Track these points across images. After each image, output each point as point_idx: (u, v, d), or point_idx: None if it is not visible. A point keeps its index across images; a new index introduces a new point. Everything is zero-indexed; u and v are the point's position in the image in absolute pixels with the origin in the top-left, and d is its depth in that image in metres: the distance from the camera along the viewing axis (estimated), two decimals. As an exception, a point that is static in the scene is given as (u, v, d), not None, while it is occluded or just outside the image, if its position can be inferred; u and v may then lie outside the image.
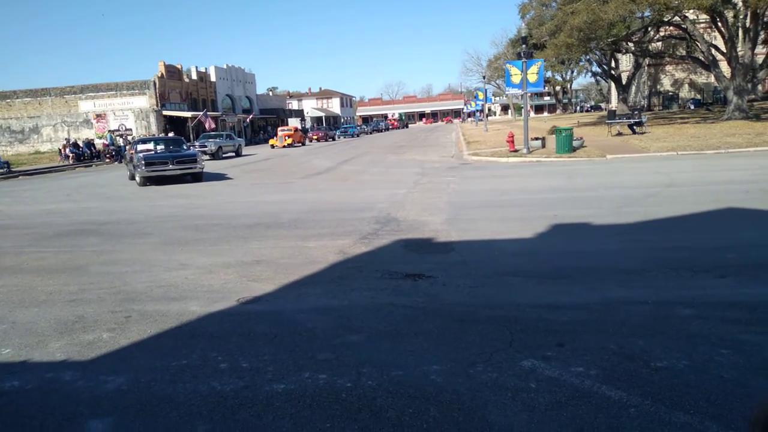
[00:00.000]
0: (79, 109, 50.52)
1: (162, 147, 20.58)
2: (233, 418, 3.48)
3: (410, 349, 4.38)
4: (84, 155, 38.40)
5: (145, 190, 18.32)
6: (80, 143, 40.22)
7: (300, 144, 46.84)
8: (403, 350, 4.36)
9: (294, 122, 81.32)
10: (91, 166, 35.48)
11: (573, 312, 4.96)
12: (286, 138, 44.95)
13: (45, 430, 3.48)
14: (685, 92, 61.08)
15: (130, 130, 48.49)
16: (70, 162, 36.32)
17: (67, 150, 37.84)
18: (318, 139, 55.00)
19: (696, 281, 5.68)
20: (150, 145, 20.68)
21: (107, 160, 37.65)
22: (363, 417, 3.42)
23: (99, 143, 43.30)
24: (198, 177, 19.48)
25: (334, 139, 58.06)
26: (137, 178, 19.03)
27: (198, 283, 6.56)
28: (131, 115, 49.76)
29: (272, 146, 45.52)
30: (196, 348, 4.61)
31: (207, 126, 40.84)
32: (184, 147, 21.45)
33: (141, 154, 19.06)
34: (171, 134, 41.00)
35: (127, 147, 38.69)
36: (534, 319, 4.83)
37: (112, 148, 40.08)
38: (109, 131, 47.37)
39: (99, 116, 50.18)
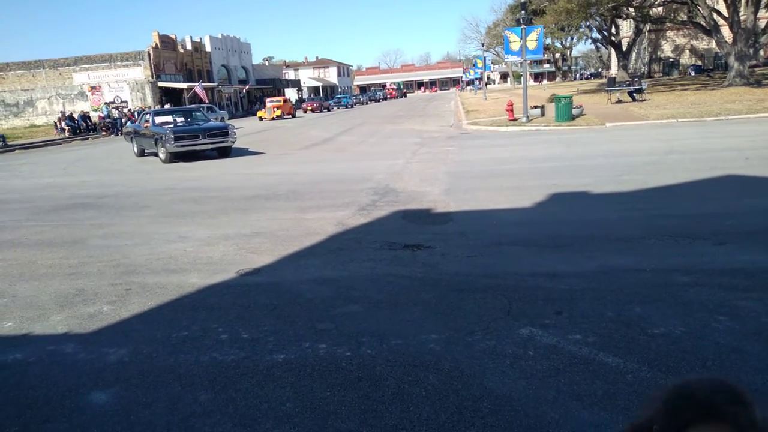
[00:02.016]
0: (73, 82, 49.96)
1: (182, 119, 18.68)
2: (234, 387, 3.52)
3: (409, 318, 4.41)
4: (80, 128, 38.16)
5: (141, 162, 18.24)
6: (76, 116, 39.92)
7: (290, 116, 44.36)
8: (401, 319, 4.39)
9: (291, 92, 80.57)
10: (87, 139, 35.28)
11: (571, 280, 4.99)
12: (275, 110, 42.54)
13: (48, 402, 3.52)
14: (685, 58, 60.37)
15: (126, 102, 48.10)
16: (66, 135, 36.11)
17: (63, 123, 37.61)
18: (313, 110, 52.80)
19: (694, 248, 5.69)
20: (169, 117, 18.74)
21: (103, 133, 37.42)
22: (363, 385, 3.45)
23: (95, 116, 42.96)
24: (226, 152, 17.66)
25: (329, 110, 56.14)
26: (162, 154, 17.03)
27: (197, 255, 6.57)
28: (126, 86, 49.25)
29: (260, 119, 42.90)
30: (197, 319, 4.64)
31: (202, 98, 40.45)
32: (203, 118, 19.64)
33: (167, 127, 17.03)
34: (167, 105, 40.69)
35: (130, 119, 38.47)
36: (532, 288, 4.86)
37: (108, 120, 39.79)
38: (105, 103, 46.99)
39: (94, 88, 49.66)
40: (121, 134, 36.46)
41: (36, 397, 3.59)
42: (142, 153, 19.45)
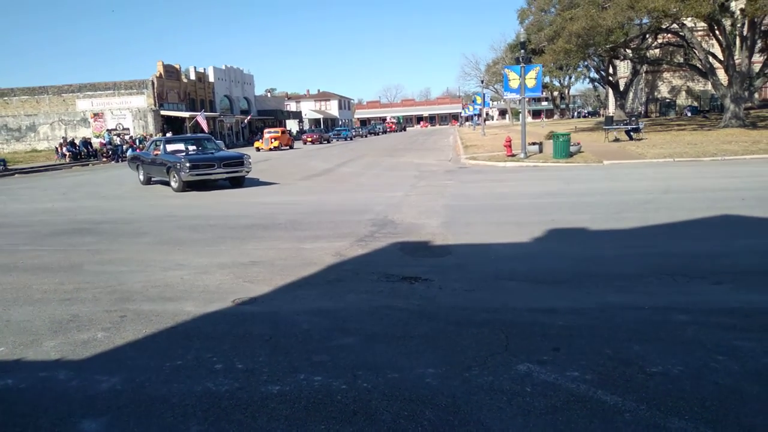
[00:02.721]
0: (76, 108, 50.43)
1: (194, 147, 18.25)
2: (227, 419, 3.47)
3: (406, 351, 4.38)
4: (81, 154, 38.39)
5: (141, 189, 18.27)
6: (77, 142, 40.17)
7: (287, 147, 43.95)
8: (398, 353, 4.35)
9: (292, 124, 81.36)
10: (87, 164, 35.43)
11: (569, 317, 4.97)
12: (273, 141, 42.12)
13: (38, 430, 3.46)
14: (682, 99, 61.26)
15: (128, 129, 48.46)
16: (67, 161, 36.28)
17: (64, 149, 37.81)
18: (312, 142, 53.16)
19: (692, 287, 5.69)
20: (181, 145, 18.24)
21: (104, 160, 37.62)
22: (358, 419, 3.41)
23: (96, 142, 43.23)
24: (239, 182, 17.22)
25: (329, 142, 56.66)
26: (174, 183, 16.45)
27: (194, 283, 6.54)
28: (129, 114, 49.69)
29: (257, 149, 42.41)
30: (191, 348, 4.59)
31: (203, 127, 40.77)
32: (215, 147, 19.12)
33: (182, 155, 16.63)
34: (169, 134, 40.98)
35: (131, 146, 38.60)
36: (530, 324, 4.83)
37: (109, 147, 40.04)
38: (107, 130, 47.35)
39: (96, 115, 50.10)
40: (122, 161, 36.76)
41: (26, 424, 3.53)
42: (148, 181, 19.06)
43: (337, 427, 3.33)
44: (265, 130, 47.35)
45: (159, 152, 17.93)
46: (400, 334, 4.75)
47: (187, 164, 15.92)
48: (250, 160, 17.38)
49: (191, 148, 18.06)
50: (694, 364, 3.93)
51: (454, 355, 4.26)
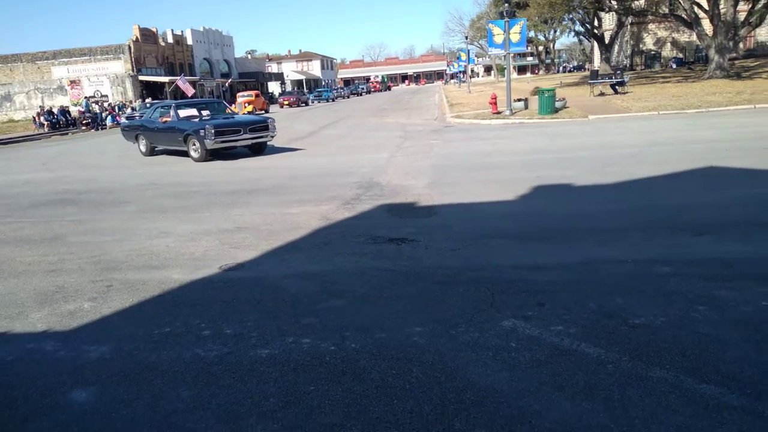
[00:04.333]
0: (52, 76, 49.25)
1: (207, 111, 16.47)
2: (217, 383, 3.50)
3: (393, 312, 4.41)
4: (59, 123, 37.63)
5: (122, 157, 18.00)
6: (55, 111, 39.32)
7: (262, 111, 42.17)
8: (386, 313, 4.39)
9: (274, 86, 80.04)
10: (67, 134, 34.77)
11: (554, 272, 5.02)
12: (246, 105, 40.41)
13: (27, 401, 3.47)
14: (667, 51, 60.90)
15: (106, 96, 47.50)
16: (46, 130, 35.58)
17: (42, 118, 37.05)
18: (290, 105, 50.93)
19: (675, 239, 5.75)
20: (194, 110, 16.44)
21: (84, 128, 36.90)
22: (347, 379, 3.45)
23: (74, 110, 42.35)
24: (262, 148, 15.93)
25: (306, 104, 54.08)
26: (195, 153, 14.97)
27: (179, 251, 6.52)
28: (107, 80, 48.63)
29: None
30: (179, 316, 4.60)
31: (186, 91, 40.01)
32: (228, 110, 17.68)
33: (206, 122, 14.99)
34: (149, 100, 40.24)
35: (111, 113, 37.82)
36: (515, 280, 4.88)
37: (88, 115, 39.24)
38: (85, 98, 46.36)
39: (73, 82, 49.00)
40: (102, 129, 36.12)
41: (15, 396, 3.54)
42: (152, 151, 17.44)
43: (326, 388, 3.37)
44: (238, 94, 45.84)
45: (169, 119, 16.27)
46: (387, 294, 4.78)
47: (213, 130, 14.43)
48: (275, 124, 15.90)
49: (204, 113, 16.35)
50: (675, 315, 4.01)
51: (440, 313, 4.31)
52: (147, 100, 41.24)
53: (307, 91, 75.73)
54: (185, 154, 15.64)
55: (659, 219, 6.46)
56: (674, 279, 4.67)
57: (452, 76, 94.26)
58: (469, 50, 60.64)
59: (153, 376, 3.65)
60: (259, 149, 15.88)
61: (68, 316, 4.77)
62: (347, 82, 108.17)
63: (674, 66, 53.00)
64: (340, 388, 3.35)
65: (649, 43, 61.98)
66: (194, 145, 14.97)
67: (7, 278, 5.91)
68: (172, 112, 16.39)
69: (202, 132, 14.54)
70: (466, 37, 64.69)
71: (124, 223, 8.17)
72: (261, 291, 5.05)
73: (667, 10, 41.53)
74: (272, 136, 15.79)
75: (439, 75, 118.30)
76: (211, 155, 14.93)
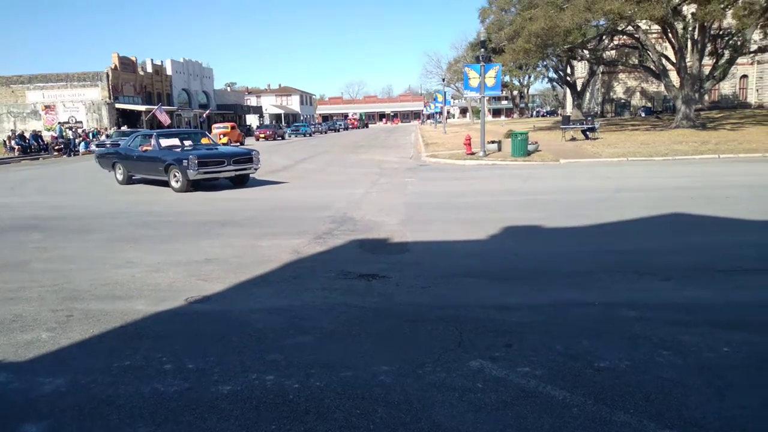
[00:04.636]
0: (26, 100, 48.71)
1: (190, 141, 16.30)
2: (176, 420, 3.40)
3: (360, 349, 4.36)
4: (31, 147, 37.05)
5: (93, 184, 17.73)
6: (27, 135, 38.73)
7: (237, 143, 41.11)
8: (353, 351, 4.34)
9: (252, 119, 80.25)
10: (38, 159, 34.22)
11: (522, 313, 5.04)
12: (221, 136, 39.46)
13: (-26, 435, 3.32)
14: (636, 100, 62.99)
15: (81, 122, 47.03)
16: (16, 154, 35.00)
17: (13, 141, 36.45)
18: (266, 138, 51.20)
19: (641, 284, 5.84)
20: (176, 140, 16.19)
21: (56, 153, 36.36)
22: (310, 418, 3.38)
23: (47, 135, 41.77)
24: (244, 180, 15.63)
25: (283, 138, 54.37)
26: (176, 183, 14.54)
27: (145, 281, 6.38)
28: (82, 107, 48.25)
29: None
30: (141, 348, 4.48)
31: (162, 121, 39.86)
32: (209, 141, 17.53)
33: (189, 152, 14.63)
34: (124, 128, 39.93)
35: (84, 140, 37.34)
36: (483, 320, 4.89)
37: (61, 140, 38.72)
38: (59, 123, 45.81)
39: (48, 107, 48.49)
40: (75, 155, 35.62)
41: (-39, 429, 3.38)
42: (129, 180, 16.88)
43: (288, 427, 3.30)
44: (214, 126, 45.73)
45: (150, 147, 15.88)
46: (355, 331, 4.74)
47: (196, 161, 14.05)
48: (259, 157, 15.71)
49: (186, 143, 16.15)
50: (640, 359, 4.04)
51: (408, 352, 4.28)
52: (123, 128, 40.87)
53: (284, 125, 76.05)
54: (165, 183, 15.24)
55: (626, 263, 6.56)
56: (639, 323, 4.72)
57: (429, 117, 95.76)
58: (445, 92, 61.80)
59: (109, 411, 3.52)
60: (241, 181, 15.59)
61: (24, 346, 4.60)
62: (325, 117, 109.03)
63: (643, 114, 54.73)
64: (302, 428, 3.28)
65: (619, 91, 64.06)
66: (176, 175, 14.57)
67: (-37, 305, 5.70)
68: (153, 141, 16.00)
69: (184, 162, 14.17)
70: (443, 79, 65.97)
71: (91, 252, 8.00)
72: (226, 325, 4.96)
73: (636, 61, 43.12)
74: (256, 169, 15.52)
75: (416, 115, 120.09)
76: (192, 186, 14.52)
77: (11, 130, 41.73)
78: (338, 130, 76.03)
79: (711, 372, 3.83)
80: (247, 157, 15.30)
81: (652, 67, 35.82)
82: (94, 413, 3.50)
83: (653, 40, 36.81)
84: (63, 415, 3.50)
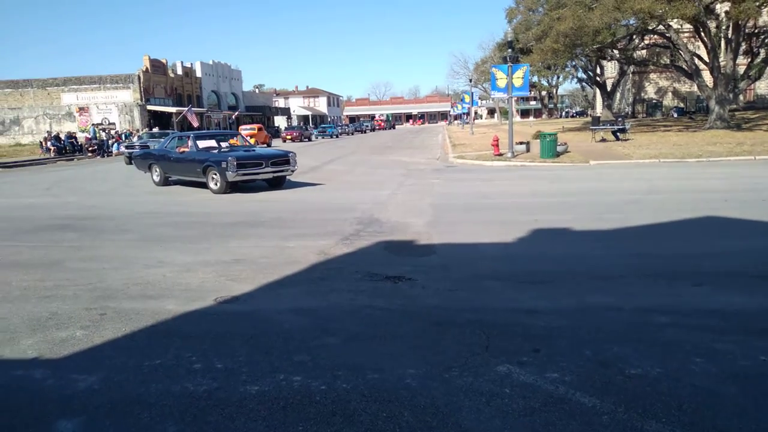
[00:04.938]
0: (61, 102, 49.94)
1: (225, 143, 16.46)
2: (204, 419, 3.44)
3: (387, 352, 4.37)
4: (66, 148, 37.95)
5: (125, 185, 18.10)
6: (62, 136, 39.71)
7: (265, 145, 40.71)
8: (379, 353, 4.34)
9: (280, 120, 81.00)
10: (72, 159, 35.05)
11: (550, 317, 4.98)
12: (248, 138, 40.30)
13: (12, 430, 3.41)
14: (668, 100, 61.80)
15: (114, 124, 48.01)
16: (52, 155, 35.87)
17: (49, 143, 37.39)
18: (293, 139, 50.97)
19: (673, 288, 5.73)
20: (212, 142, 16.30)
21: (90, 154, 37.20)
22: (336, 420, 3.39)
23: (81, 137, 42.77)
24: (281, 182, 15.62)
25: (309, 140, 54.21)
26: (215, 184, 14.51)
27: (175, 281, 6.49)
28: (115, 109, 49.29)
29: None
30: (171, 347, 4.55)
31: (192, 122, 40.48)
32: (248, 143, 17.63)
33: (227, 153, 14.69)
34: (155, 129, 40.64)
35: (117, 141, 38.10)
36: (511, 324, 4.84)
37: (94, 141, 39.60)
38: (93, 125, 46.86)
39: (82, 109, 49.63)
40: (108, 156, 36.38)
41: (0, 425, 3.48)
42: (166, 181, 16.92)
43: (315, 428, 3.31)
44: (240, 127, 46.07)
45: (187, 149, 15.96)
46: (381, 334, 4.74)
47: (235, 162, 14.07)
48: (296, 158, 15.69)
49: (223, 144, 16.28)
50: (672, 366, 3.96)
51: (434, 355, 4.26)
52: (154, 129, 41.61)
53: (312, 126, 76.52)
54: (201, 185, 15.30)
55: (658, 267, 6.44)
56: (672, 329, 4.63)
57: (456, 117, 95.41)
58: (472, 93, 61.48)
59: (140, 409, 3.59)
60: (277, 183, 15.55)
61: (60, 343, 4.72)
62: (352, 119, 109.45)
63: (675, 115, 53.68)
64: (329, 430, 3.29)
65: (650, 91, 62.93)
66: (214, 176, 14.55)
67: (2, 303, 5.87)
68: (190, 143, 16.02)
69: (223, 164, 14.15)
70: (470, 80, 65.79)
71: (123, 251, 8.16)
72: (254, 325, 5.01)
73: (668, 61, 42.32)
74: (293, 171, 15.48)
75: (443, 116, 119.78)
76: (230, 187, 14.51)
77: (47, 132, 42.81)
78: (365, 132, 76.17)
79: (747, 380, 3.74)
80: (285, 159, 15.29)
81: (684, 66, 35.14)
82: (126, 411, 3.57)
83: (685, 40, 36.04)
84: (96, 412, 3.58)
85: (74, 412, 3.59)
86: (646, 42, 43.75)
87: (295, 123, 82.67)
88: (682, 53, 33.27)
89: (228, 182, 14.25)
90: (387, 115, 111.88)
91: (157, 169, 17.04)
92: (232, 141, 17.61)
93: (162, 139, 29.40)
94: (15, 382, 4.03)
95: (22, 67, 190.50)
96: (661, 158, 19.36)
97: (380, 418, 3.41)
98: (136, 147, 28.22)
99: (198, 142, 16.02)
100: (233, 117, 60.64)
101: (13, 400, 3.77)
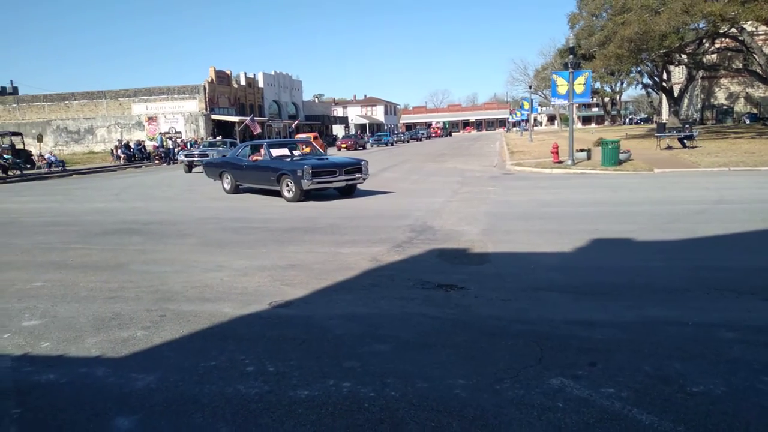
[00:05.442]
0: (132, 112, 52.32)
1: (297, 151, 16.83)
2: (255, 422, 3.50)
3: (437, 361, 4.32)
4: (135, 156, 39.73)
5: (188, 191, 18.74)
6: (131, 144, 41.59)
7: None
8: (429, 362, 4.30)
9: (338, 129, 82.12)
10: (141, 166, 36.65)
11: (608, 330, 4.81)
12: (303, 147, 40.41)
13: (74, 424, 3.57)
14: (740, 106, 58.88)
15: (180, 132, 49.89)
16: (122, 162, 37.64)
17: (119, 151, 39.23)
18: (347, 148, 51.63)
19: (741, 303, 5.43)
20: (285, 150, 16.61)
21: (156, 162, 38.80)
22: (384, 428, 3.38)
23: (149, 145, 44.67)
24: (352, 190, 15.60)
25: (364, 148, 54.74)
26: (288, 193, 14.59)
27: (232, 285, 6.65)
28: (181, 118, 51.22)
29: None
30: (225, 350, 4.66)
31: (253, 130, 41.58)
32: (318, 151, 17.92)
33: (302, 162, 14.71)
34: (219, 138, 41.93)
35: (182, 149, 39.55)
36: (566, 336, 4.71)
37: (161, 149, 41.28)
38: (160, 133, 48.88)
39: (150, 119, 51.84)
40: (174, 163, 37.80)
41: (63, 419, 3.65)
42: (236, 189, 17.09)
43: (362, 435, 3.31)
44: (296, 136, 46.70)
45: (260, 157, 16.18)
46: (432, 342, 4.70)
47: (310, 171, 14.14)
48: (368, 167, 15.64)
49: (296, 152, 16.51)
50: (738, 385, 3.75)
51: (485, 366, 4.19)
52: (218, 138, 42.97)
53: (369, 134, 77.16)
54: (274, 193, 15.45)
55: (725, 280, 6.12)
56: (739, 346, 4.38)
57: (514, 125, 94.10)
58: (532, 99, 60.58)
59: (194, 409, 3.68)
60: (349, 191, 15.53)
61: (121, 343, 4.92)
62: (409, 126, 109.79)
63: (748, 121, 51.11)
64: (376, 437, 3.28)
65: (720, 97, 60.18)
66: (288, 185, 14.59)
67: (70, 302, 6.18)
68: (264, 151, 16.18)
69: (299, 172, 14.17)
70: (530, 87, 64.79)
71: (184, 255, 8.44)
72: (307, 330, 5.07)
73: (740, 65, 40.40)
74: (364, 179, 15.43)
75: (501, 123, 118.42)
76: (305, 196, 14.55)
77: (118, 140, 44.95)
78: (420, 140, 76.03)
79: (821, 404, 3.49)
80: (357, 167, 15.26)
81: (758, 71, 33.43)
82: (180, 411, 3.68)
83: (760, 42, 34.33)
84: (152, 410, 3.70)
85: (132, 409, 3.72)
86: (717, 46, 41.97)
87: (352, 131, 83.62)
88: (756, 57, 31.68)
89: (303, 190, 14.30)
90: (444, 123, 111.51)
91: (228, 177, 17.21)
92: (304, 149, 17.91)
93: (221, 147, 30.43)
94: (79, 379, 4.22)
95: (97, 79, 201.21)
96: (731, 166, 18.45)
97: (428, 427, 3.37)
98: (195, 155, 29.12)
99: (271, 150, 16.19)
100: (293, 126, 61.86)
101: (77, 396, 3.94)
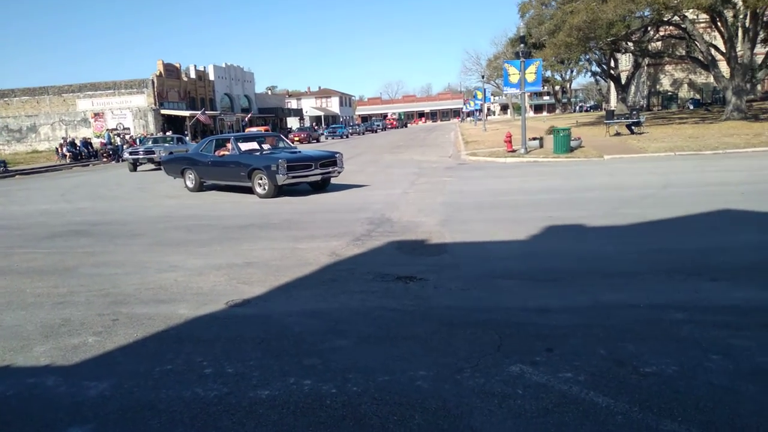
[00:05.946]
0: (77, 108, 50.47)
1: (267, 146, 15.80)
2: (215, 425, 3.43)
3: (398, 353, 4.33)
4: (81, 154, 38.39)
5: (138, 190, 18.23)
6: (77, 142, 40.17)
7: (271, 147, 40.82)
8: (390, 355, 4.31)
9: (293, 121, 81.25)
10: (88, 165, 35.44)
11: (563, 316, 4.91)
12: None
13: (23, 438, 3.43)
14: (684, 92, 61.03)
15: (128, 129, 48.47)
16: (68, 161, 36.31)
17: (65, 149, 37.85)
18: (300, 141, 50.06)
19: (689, 284, 5.62)
20: (254, 144, 15.53)
21: (105, 159, 37.59)
22: (347, 424, 3.36)
23: (96, 142, 43.23)
24: (326, 184, 15.08)
25: (318, 141, 54.11)
26: (261, 189, 13.85)
27: (187, 285, 6.50)
28: (129, 114, 49.72)
29: None
30: (182, 352, 4.55)
31: (204, 122, 40.68)
32: (287, 144, 16.95)
33: (276, 156, 13.89)
34: (169, 133, 40.94)
35: (131, 146, 38.47)
36: (524, 323, 4.78)
37: (109, 147, 40.01)
38: (107, 130, 47.36)
39: (97, 115, 50.15)
40: (122, 161, 36.69)
41: (11, 432, 3.49)
42: (200, 186, 16.07)
43: (324, 433, 3.28)
44: (247, 129, 45.90)
45: (226, 152, 15.21)
46: (392, 335, 4.70)
47: (285, 165, 13.34)
48: (342, 159, 15.12)
49: (265, 146, 15.54)
50: (688, 364, 3.88)
51: (446, 356, 4.22)
52: (168, 133, 41.94)
53: (324, 126, 76.63)
54: (244, 190, 14.78)
55: (673, 263, 6.33)
56: (688, 326, 4.54)
57: (468, 114, 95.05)
58: (485, 89, 61.26)
59: (151, 415, 3.58)
60: (323, 185, 15.01)
61: (72, 350, 4.74)
62: (365, 118, 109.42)
63: (691, 107, 53.01)
64: (339, 434, 3.26)
65: (666, 84, 62.22)
66: (261, 180, 13.83)
67: (16, 310, 5.92)
68: (231, 146, 15.14)
69: (273, 167, 13.35)
70: (483, 76, 65.31)
71: (136, 256, 8.20)
72: (265, 329, 5.00)
73: (683, 52, 41.82)
74: (339, 172, 14.99)
75: (456, 113, 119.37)
76: (279, 191, 13.82)
77: (62, 138, 43.33)
78: (376, 131, 75.75)
79: (766, 377, 3.65)
80: (332, 160, 14.70)
81: (700, 57, 34.66)
82: (136, 418, 3.57)
83: (701, 30, 35.61)
84: (107, 419, 3.58)
85: (85, 419, 3.60)
86: (661, 33, 43.29)
87: (307, 124, 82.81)
88: (698, 44, 32.82)
89: (277, 186, 13.58)
90: (399, 114, 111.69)
91: (192, 174, 16.19)
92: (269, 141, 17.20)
93: (168, 144, 29.50)
94: (28, 390, 4.05)
95: (38, 74, 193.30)
96: (677, 151, 19.11)
97: (391, 421, 3.37)
98: (140, 153, 28.11)
99: (240, 144, 15.13)
100: (246, 119, 60.91)
101: (25, 408, 3.78)
